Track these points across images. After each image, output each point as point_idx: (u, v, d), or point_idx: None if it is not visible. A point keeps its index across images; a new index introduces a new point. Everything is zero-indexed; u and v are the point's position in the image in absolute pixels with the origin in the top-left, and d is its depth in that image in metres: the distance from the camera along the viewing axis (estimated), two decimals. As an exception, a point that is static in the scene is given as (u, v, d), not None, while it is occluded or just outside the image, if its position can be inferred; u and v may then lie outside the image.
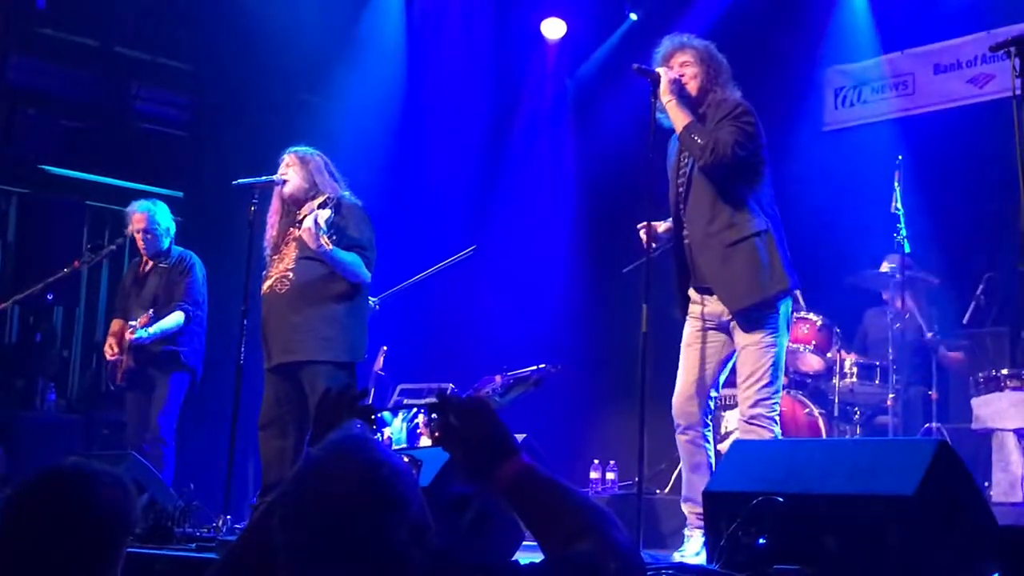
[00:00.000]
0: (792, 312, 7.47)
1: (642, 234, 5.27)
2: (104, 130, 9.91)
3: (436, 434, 2.19)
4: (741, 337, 5.06)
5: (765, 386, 4.99)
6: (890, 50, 9.10)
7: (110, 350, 7.33)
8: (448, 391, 7.75)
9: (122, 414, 7.74)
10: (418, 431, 7.70)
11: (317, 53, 9.65)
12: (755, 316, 5.03)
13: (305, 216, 5.91)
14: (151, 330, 7.15)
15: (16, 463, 7.35)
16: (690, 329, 5.25)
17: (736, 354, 5.11)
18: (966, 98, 8.59)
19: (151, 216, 7.49)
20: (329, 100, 10.03)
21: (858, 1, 9.18)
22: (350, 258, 5.93)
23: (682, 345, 5.27)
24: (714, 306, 5.16)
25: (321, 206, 5.88)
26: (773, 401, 5.02)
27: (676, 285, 5.29)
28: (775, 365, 5.02)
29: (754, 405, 4.99)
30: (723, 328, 5.16)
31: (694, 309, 5.23)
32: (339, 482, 1.88)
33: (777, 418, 5.06)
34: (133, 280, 7.64)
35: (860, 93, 9.27)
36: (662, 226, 5.36)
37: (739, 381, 5.07)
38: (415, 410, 7.71)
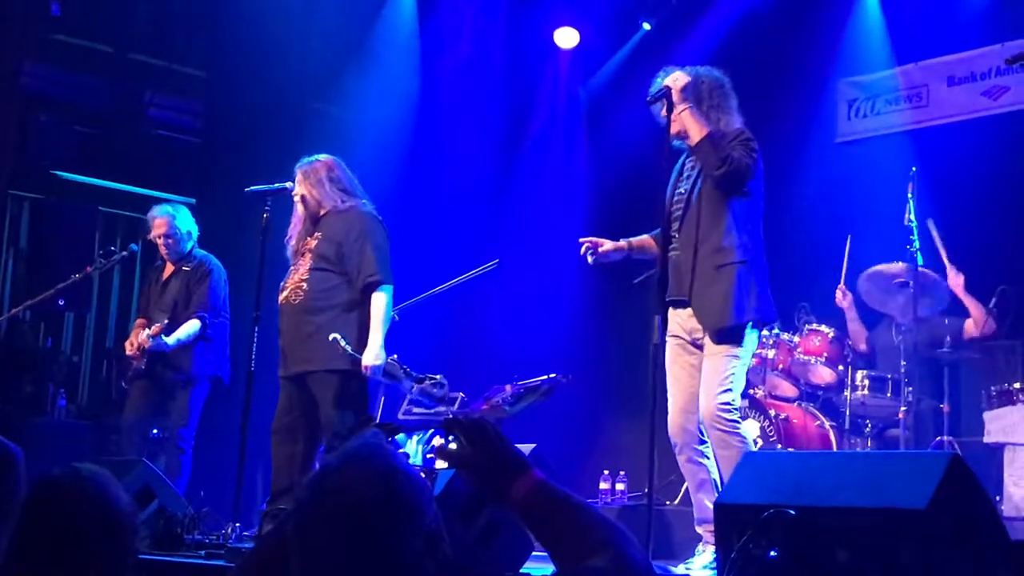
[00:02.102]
0: (805, 330, 7.55)
1: (587, 255, 5.38)
2: (118, 137, 9.95)
3: (448, 457, 2.19)
4: (707, 349, 5.17)
5: (724, 392, 5.07)
6: (904, 62, 9.08)
7: (130, 346, 7.32)
8: (458, 400, 7.72)
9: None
10: (428, 454, 7.68)
11: (331, 61, 9.67)
12: (723, 334, 5.14)
13: (315, 236, 6.08)
14: (170, 340, 7.13)
15: (26, 469, 7.36)
16: (670, 346, 5.35)
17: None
18: (980, 110, 8.57)
19: (171, 221, 7.47)
20: (342, 108, 10.05)
21: (872, 13, 9.16)
22: (387, 318, 6.05)
23: (666, 364, 5.31)
24: (687, 322, 5.24)
25: None
26: (734, 405, 5.10)
27: (660, 300, 5.32)
28: (735, 375, 5.11)
29: (718, 409, 5.06)
30: (697, 345, 5.24)
31: (672, 327, 5.31)
32: (354, 489, 1.87)
33: (740, 426, 5.14)
34: (155, 283, 7.61)
35: (873, 105, 9.25)
36: (608, 244, 5.43)
37: (700, 388, 5.14)
38: (430, 431, 7.70)
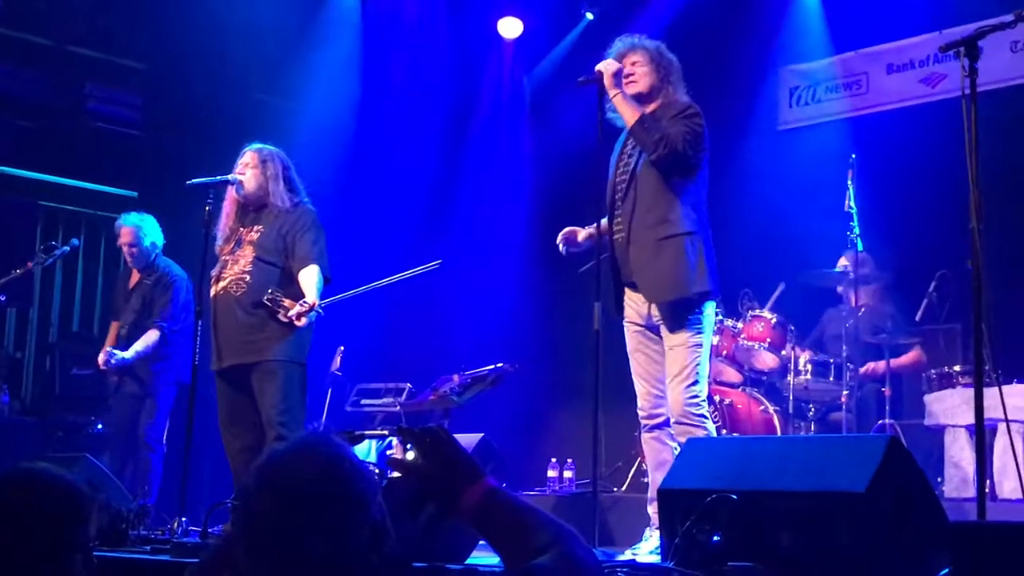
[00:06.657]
0: (749, 312, 7.61)
1: (560, 245, 5.40)
2: (57, 130, 9.82)
3: (401, 467, 2.19)
4: (668, 337, 5.14)
5: (691, 385, 5.06)
6: (843, 50, 9.18)
7: (101, 361, 7.41)
8: (405, 391, 7.64)
9: (76, 417, 7.83)
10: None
11: (272, 52, 9.60)
12: (680, 315, 5.11)
13: (256, 229, 6.01)
14: (127, 355, 7.32)
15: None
16: (630, 334, 5.33)
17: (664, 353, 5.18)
18: (919, 97, 8.67)
19: (137, 232, 7.65)
20: (285, 100, 10.00)
21: (811, 1, 9.25)
22: (319, 289, 5.94)
23: (628, 352, 5.31)
24: (642, 306, 5.24)
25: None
26: (701, 399, 5.10)
27: (612, 284, 5.32)
28: (700, 365, 5.09)
29: (686, 404, 5.04)
30: (654, 329, 5.22)
31: (629, 312, 5.31)
32: (299, 479, 1.87)
33: (708, 413, 5.14)
34: (123, 288, 7.80)
35: (814, 92, 9.34)
36: (582, 233, 5.45)
37: (667, 380, 5.13)
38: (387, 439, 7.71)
